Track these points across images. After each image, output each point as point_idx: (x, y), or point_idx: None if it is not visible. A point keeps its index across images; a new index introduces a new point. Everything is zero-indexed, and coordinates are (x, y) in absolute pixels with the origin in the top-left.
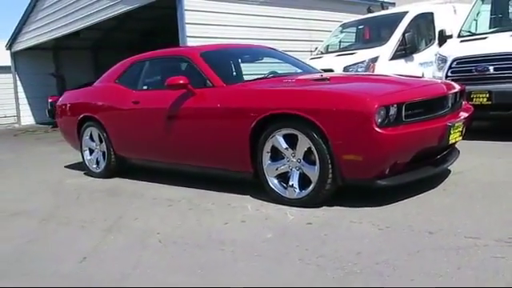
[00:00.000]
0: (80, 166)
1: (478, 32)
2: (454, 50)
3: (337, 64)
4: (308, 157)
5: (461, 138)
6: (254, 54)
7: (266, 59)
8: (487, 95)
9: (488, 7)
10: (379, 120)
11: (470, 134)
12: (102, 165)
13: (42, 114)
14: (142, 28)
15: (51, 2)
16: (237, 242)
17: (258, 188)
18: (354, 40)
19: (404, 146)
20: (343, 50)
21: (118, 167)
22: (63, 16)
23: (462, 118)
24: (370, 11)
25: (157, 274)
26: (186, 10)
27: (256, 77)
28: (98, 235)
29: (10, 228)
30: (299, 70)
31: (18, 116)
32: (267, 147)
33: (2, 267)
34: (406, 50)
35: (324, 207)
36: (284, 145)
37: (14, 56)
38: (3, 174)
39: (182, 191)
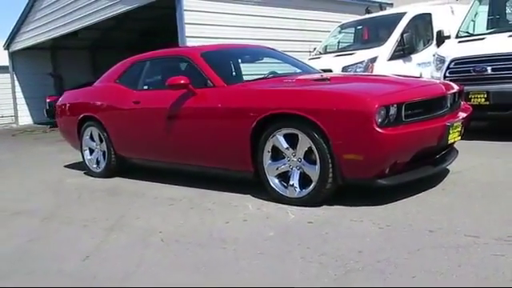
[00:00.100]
0: (80, 166)
1: (475, 33)
2: (452, 50)
3: (335, 64)
4: (308, 156)
5: (459, 137)
6: (254, 54)
7: (265, 59)
8: (485, 95)
9: (485, 8)
10: (379, 120)
11: (469, 134)
12: (103, 164)
13: (39, 114)
14: (140, 28)
15: (49, 2)
16: (239, 241)
17: (258, 187)
18: (352, 40)
19: (404, 146)
20: (342, 50)
21: (119, 167)
22: (61, 16)
23: (461, 118)
24: (368, 12)
25: (160, 272)
26: (186, 10)
27: (256, 77)
28: (101, 234)
29: (12, 227)
30: (299, 70)
31: (16, 116)
32: (268, 147)
33: (5, 266)
34: (404, 51)
35: (324, 206)
36: (285, 144)
37: (12, 56)
38: (3, 174)
39: (182, 190)
